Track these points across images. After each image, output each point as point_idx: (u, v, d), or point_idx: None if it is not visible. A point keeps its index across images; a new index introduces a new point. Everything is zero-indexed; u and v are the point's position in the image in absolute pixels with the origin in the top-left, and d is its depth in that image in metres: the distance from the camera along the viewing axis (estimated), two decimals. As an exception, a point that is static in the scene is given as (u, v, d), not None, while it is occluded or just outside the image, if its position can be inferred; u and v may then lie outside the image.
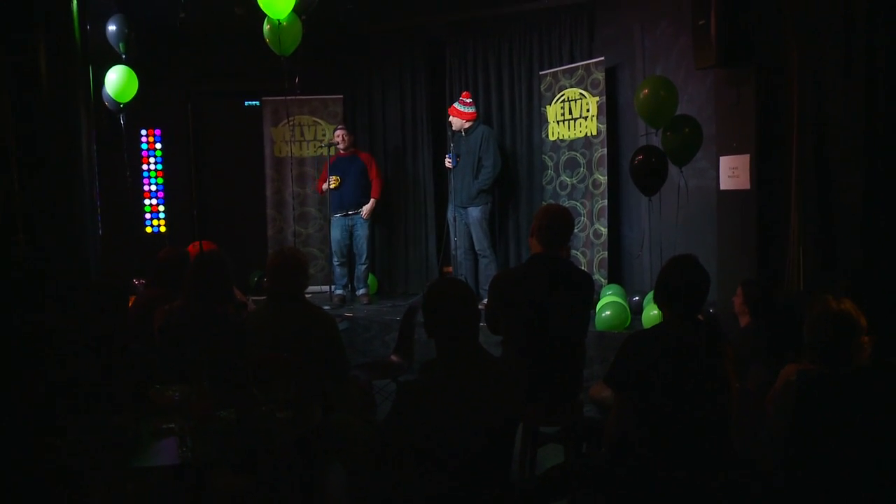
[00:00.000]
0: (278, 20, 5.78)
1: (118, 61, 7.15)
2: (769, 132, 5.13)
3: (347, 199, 7.88)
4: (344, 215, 7.91)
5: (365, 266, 8.06)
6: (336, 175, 7.85)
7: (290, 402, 3.33)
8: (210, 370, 3.36)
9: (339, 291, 8.06)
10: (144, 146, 9.03)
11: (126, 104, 7.36)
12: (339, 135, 7.93)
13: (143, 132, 8.98)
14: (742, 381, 3.72)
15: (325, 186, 7.91)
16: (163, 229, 9.05)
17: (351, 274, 8.22)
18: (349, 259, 8.06)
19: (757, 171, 5.17)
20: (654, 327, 3.35)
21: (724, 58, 5.14)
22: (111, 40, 7.01)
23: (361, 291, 8.12)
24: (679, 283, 3.19)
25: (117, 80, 7.15)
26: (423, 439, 2.78)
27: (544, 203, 7.56)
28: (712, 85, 5.80)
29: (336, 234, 7.93)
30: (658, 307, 3.31)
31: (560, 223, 4.01)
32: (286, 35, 5.90)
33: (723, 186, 5.49)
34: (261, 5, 5.64)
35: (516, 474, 3.79)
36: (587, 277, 4.23)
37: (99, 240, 4.20)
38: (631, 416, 3.17)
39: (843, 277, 4.70)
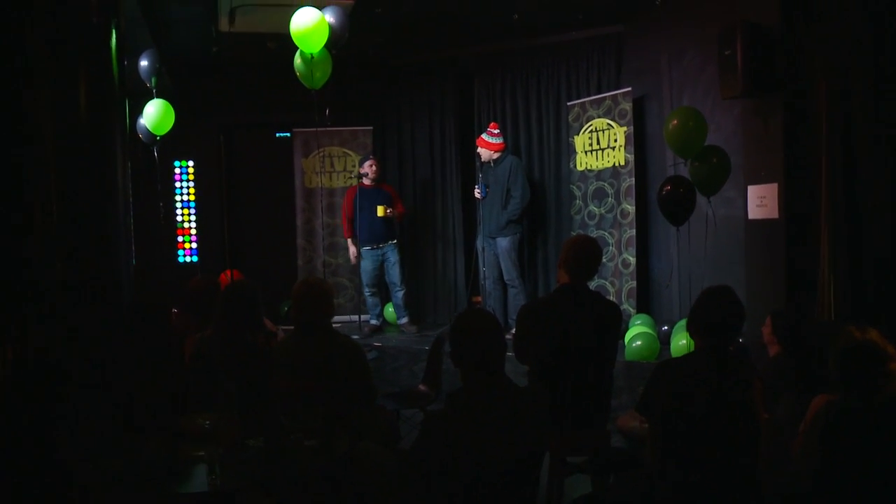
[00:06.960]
0: (311, 54, 5.88)
1: (152, 95, 7.30)
2: (797, 161, 5.12)
3: (378, 232, 7.81)
4: (374, 248, 7.86)
5: (402, 292, 7.99)
6: (365, 206, 7.65)
7: (317, 431, 3.35)
8: (239, 399, 3.40)
9: (373, 321, 8.08)
10: (184, 177, 9.21)
11: (162, 136, 7.52)
12: (371, 165, 7.81)
13: (177, 164, 9.16)
14: (771, 412, 3.69)
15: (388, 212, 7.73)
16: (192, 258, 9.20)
17: (383, 304, 8.24)
18: (381, 289, 8.07)
19: (785, 200, 5.15)
20: (685, 356, 3.35)
21: (751, 87, 5.15)
22: (143, 75, 7.14)
23: (404, 320, 8.04)
24: (714, 316, 3.20)
25: (155, 113, 7.30)
26: (448, 469, 2.79)
27: (573, 233, 7.57)
28: (740, 114, 5.81)
29: (367, 265, 7.90)
30: (690, 336, 3.31)
31: (588, 254, 4.02)
32: (318, 69, 5.99)
33: (751, 216, 5.47)
34: (294, 40, 5.74)
35: (543, 504, 3.77)
36: (615, 307, 4.22)
37: (133, 269, 4.27)
38: (661, 445, 3.16)
39: (874, 307, 4.65)
